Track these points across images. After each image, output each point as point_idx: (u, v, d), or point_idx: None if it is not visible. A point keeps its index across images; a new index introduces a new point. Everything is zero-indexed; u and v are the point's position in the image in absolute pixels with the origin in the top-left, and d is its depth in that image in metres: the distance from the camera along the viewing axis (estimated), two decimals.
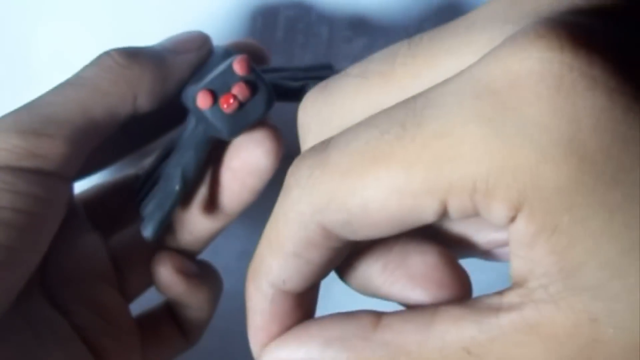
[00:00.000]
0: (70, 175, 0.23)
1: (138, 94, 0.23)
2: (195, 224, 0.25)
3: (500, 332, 0.14)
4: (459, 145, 0.14)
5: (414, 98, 0.16)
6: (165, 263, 0.25)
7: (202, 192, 0.25)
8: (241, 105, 0.22)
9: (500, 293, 0.15)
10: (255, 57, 0.25)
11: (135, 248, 0.26)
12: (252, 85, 0.22)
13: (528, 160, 0.13)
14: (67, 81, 0.23)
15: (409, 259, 0.18)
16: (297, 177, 0.17)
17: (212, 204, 0.25)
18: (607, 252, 0.13)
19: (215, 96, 0.22)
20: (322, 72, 0.26)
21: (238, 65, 0.22)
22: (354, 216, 0.16)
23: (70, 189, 0.23)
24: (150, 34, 0.30)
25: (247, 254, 0.36)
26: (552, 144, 0.13)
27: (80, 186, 0.27)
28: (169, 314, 0.27)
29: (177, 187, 0.23)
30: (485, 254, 0.21)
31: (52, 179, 0.21)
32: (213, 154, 0.25)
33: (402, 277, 0.18)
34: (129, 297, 0.27)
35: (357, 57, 0.27)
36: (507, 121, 0.14)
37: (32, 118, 0.21)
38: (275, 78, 0.25)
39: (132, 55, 0.23)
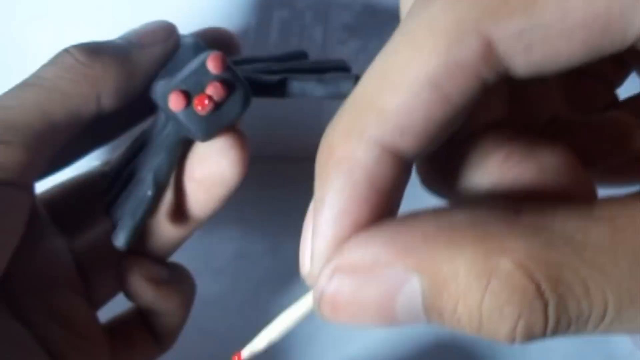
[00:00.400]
0: (30, 183, 0.21)
1: (101, 93, 0.21)
2: (164, 231, 0.24)
3: None
4: None
5: None
6: (133, 270, 0.24)
7: (169, 199, 0.24)
8: (217, 105, 0.21)
9: None
10: (224, 45, 0.24)
11: (101, 252, 0.25)
12: (227, 83, 0.21)
13: None
14: (24, 82, 0.21)
15: (538, 151, 0.15)
16: None
17: (179, 212, 0.24)
18: None
19: (189, 97, 0.21)
20: (298, 61, 0.25)
21: (212, 63, 0.20)
22: (543, 20, 0.12)
23: (31, 197, 0.21)
24: None
25: (241, 256, 0.36)
26: None
27: (42, 185, 0.25)
28: (140, 319, 0.26)
29: (149, 193, 0.22)
30: (621, 172, 0.18)
31: (10, 189, 0.20)
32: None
33: (531, 170, 0.15)
34: (97, 304, 0.25)
35: (351, 59, 0.27)
36: None
37: None
38: (250, 71, 0.23)
39: (94, 51, 0.21)
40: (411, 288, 0.13)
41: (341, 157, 0.14)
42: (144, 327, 0.26)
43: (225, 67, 0.21)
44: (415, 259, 0.13)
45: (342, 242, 0.14)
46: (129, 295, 0.24)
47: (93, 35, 0.30)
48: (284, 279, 0.32)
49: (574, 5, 0.12)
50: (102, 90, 0.21)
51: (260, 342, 0.18)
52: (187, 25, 0.25)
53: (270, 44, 0.31)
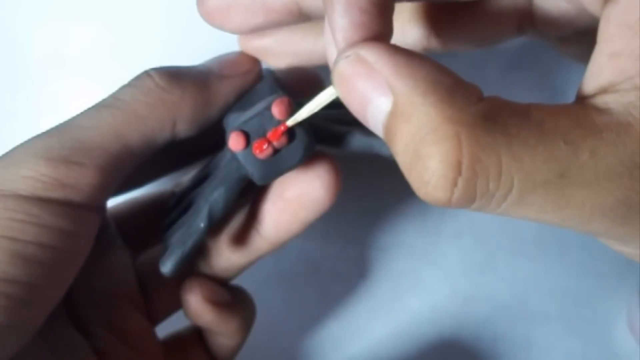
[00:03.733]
0: (101, 205, 0.21)
1: (177, 119, 0.21)
2: (227, 255, 0.24)
3: (595, 129, 0.15)
4: None
5: None
6: (194, 291, 0.24)
7: (236, 225, 0.24)
8: (276, 151, 0.20)
9: (591, 97, 0.16)
10: (308, 87, 0.24)
11: None
12: (290, 130, 0.20)
13: None
14: (102, 102, 0.21)
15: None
16: None
17: (241, 239, 0.24)
18: None
19: (248, 139, 0.20)
20: None
21: (277, 109, 0.20)
22: None
23: (100, 218, 0.21)
24: (156, 35, 0.30)
25: None
26: None
27: (112, 200, 0.25)
28: (198, 338, 0.26)
29: (202, 225, 0.21)
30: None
31: (81, 211, 0.20)
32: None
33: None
34: (156, 320, 0.25)
35: None
36: None
37: (62, 144, 0.20)
38: (321, 117, 0.22)
39: (173, 77, 0.21)
40: (381, 102, 0.16)
41: None
42: (200, 346, 0.26)
43: (290, 113, 0.20)
44: (395, 82, 0.15)
45: (355, 29, 0.17)
46: (188, 315, 0.24)
47: (94, 35, 0.30)
48: (287, 281, 0.32)
49: None
50: (178, 116, 0.21)
51: (302, 113, 0.20)
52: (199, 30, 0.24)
53: None
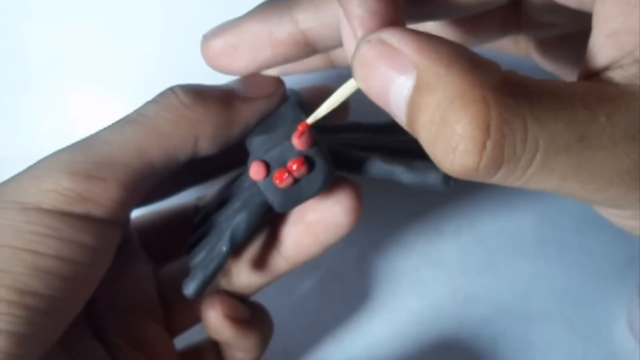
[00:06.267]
0: (122, 219, 0.21)
1: (199, 137, 0.21)
2: (246, 275, 0.25)
3: (608, 96, 0.15)
4: None
5: None
6: (215, 307, 0.24)
7: (255, 247, 0.24)
8: (296, 180, 0.21)
9: (594, 76, 0.16)
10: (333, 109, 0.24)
11: None
12: (310, 160, 0.21)
13: None
14: (126, 118, 0.21)
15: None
16: None
17: (262, 261, 0.24)
18: None
19: (269, 168, 0.21)
20: (399, 136, 0.23)
21: (298, 140, 0.20)
22: None
23: (121, 233, 0.22)
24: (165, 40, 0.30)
25: None
26: None
27: (136, 212, 0.26)
28: (214, 350, 0.26)
29: (224, 249, 0.22)
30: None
31: (102, 225, 0.20)
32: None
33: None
34: (175, 332, 0.26)
35: None
36: None
37: (85, 158, 0.20)
38: (341, 142, 0.22)
39: (197, 95, 0.21)
40: (404, 80, 0.16)
41: None
42: (216, 358, 0.26)
43: (310, 145, 0.20)
44: (419, 57, 0.15)
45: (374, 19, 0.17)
46: (207, 331, 0.25)
47: (93, 35, 0.30)
48: (287, 281, 0.32)
49: None
50: (200, 134, 0.21)
51: (322, 110, 0.20)
52: None
53: None
